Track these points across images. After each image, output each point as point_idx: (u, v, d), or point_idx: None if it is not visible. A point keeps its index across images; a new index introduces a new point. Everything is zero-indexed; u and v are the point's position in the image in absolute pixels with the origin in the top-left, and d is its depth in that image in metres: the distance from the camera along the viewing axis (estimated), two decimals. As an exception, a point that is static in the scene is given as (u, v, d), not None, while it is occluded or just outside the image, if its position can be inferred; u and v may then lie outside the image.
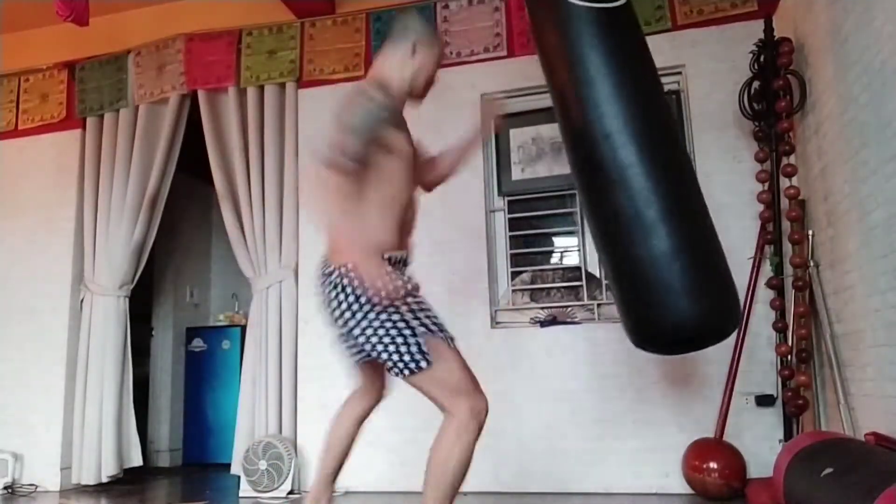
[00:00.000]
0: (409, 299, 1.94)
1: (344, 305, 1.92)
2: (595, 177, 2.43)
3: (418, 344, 1.91)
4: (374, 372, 2.23)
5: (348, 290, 1.91)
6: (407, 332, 1.90)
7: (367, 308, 1.89)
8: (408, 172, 2.05)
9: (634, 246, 2.31)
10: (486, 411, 2.00)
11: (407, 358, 1.90)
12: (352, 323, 1.92)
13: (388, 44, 2.16)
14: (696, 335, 2.40)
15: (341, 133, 1.86)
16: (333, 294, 1.94)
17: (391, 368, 1.93)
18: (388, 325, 1.89)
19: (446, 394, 1.97)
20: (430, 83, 2.18)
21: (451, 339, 2.00)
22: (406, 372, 1.91)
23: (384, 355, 1.91)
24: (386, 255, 1.95)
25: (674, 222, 2.32)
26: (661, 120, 2.49)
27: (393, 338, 1.89)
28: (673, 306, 2.30)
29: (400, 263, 2.03)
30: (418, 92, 2.17)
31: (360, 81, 2.15)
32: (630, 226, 2.32)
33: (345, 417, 2.35)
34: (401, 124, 2.07)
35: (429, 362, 1.91)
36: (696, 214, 2.44)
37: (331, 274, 1.96)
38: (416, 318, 1.94)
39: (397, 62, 2.12)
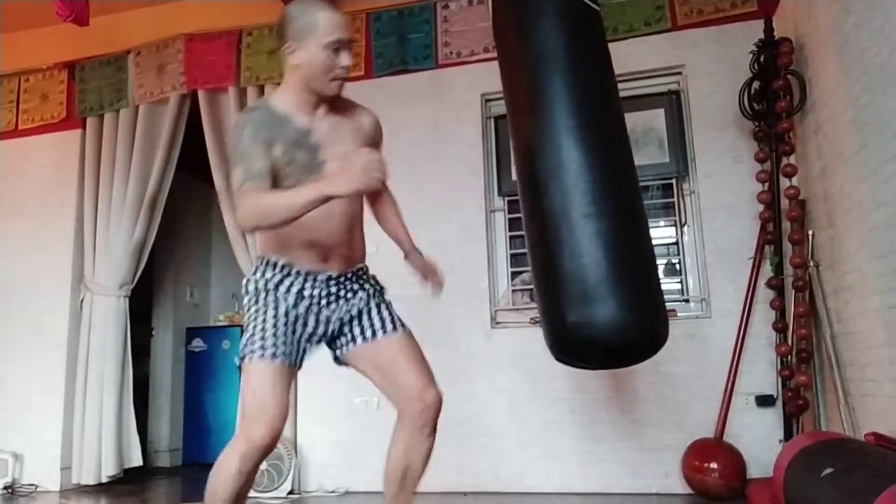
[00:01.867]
0: (260, 303, 1.92)
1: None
2: (535, 181, 2.32)
3: (243, 345, 1.91)
4: (374, 371, 2.09)
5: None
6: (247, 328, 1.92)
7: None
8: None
9: (567, 257, 2.17)
10: (262, 443, 1.80)
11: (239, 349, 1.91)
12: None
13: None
14: (624, 349, 2.25)
15: (234, 167, 1.77)
16: None
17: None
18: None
19: (241, 405, 1.89)
20: (329, 69, 1.81)
21: (272, 357, 1.85)
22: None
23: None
24: (272, 258, 1.93)
25: (611, 231, 2.18)
26: (610, 126, 2.38)
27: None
28: (603, 319, 2.13)
29: (284, 269, 1.91)
30: (321, 86, 1.83)
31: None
32: (564, 234, 2.19)
33: (393, 445, 2.19)
34: (298, 135, 1.83)
35: (240, 368, 1.89)
36: (637, 227, 2.29)
37: None
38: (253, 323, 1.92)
39: (286, 67, 1.88)
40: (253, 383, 1.82)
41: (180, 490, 4.43)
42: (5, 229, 4.60)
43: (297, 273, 1.90)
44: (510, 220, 3.90)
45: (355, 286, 2.01)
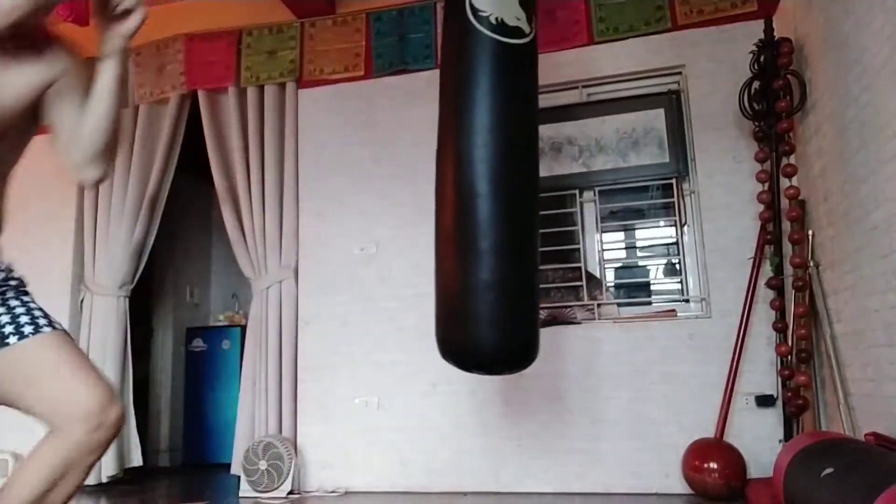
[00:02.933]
0: None
1: None
2: (448, 198, 2.54)
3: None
4: None
5: None
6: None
7: None
8: None
9: (464, 272, 2.40)
10: None
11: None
12: None
13: None
14: (489, 362, 2.51)
15: None
16: None
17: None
18: None
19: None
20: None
21: None
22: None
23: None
24: None
25: (501, 257, 2.40)
26: (521, 158, 2.54)
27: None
28: (476, 333, 2.41)
29: None
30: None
31: None
32: (465, 252, 2.41)
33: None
34: None
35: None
36: (525, 251, 2.50)
37: None
38: None
39: None
40: None
41: (180, 490, 4.42)
42: (5, 229, 4.59)
43: None
44: (510, 220, 3.89)
45: None
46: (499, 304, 2.38)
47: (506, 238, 2.40)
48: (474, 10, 2.46)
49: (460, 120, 2.48)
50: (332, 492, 3.67)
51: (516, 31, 2.47)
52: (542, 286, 3.83)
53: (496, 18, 2.44)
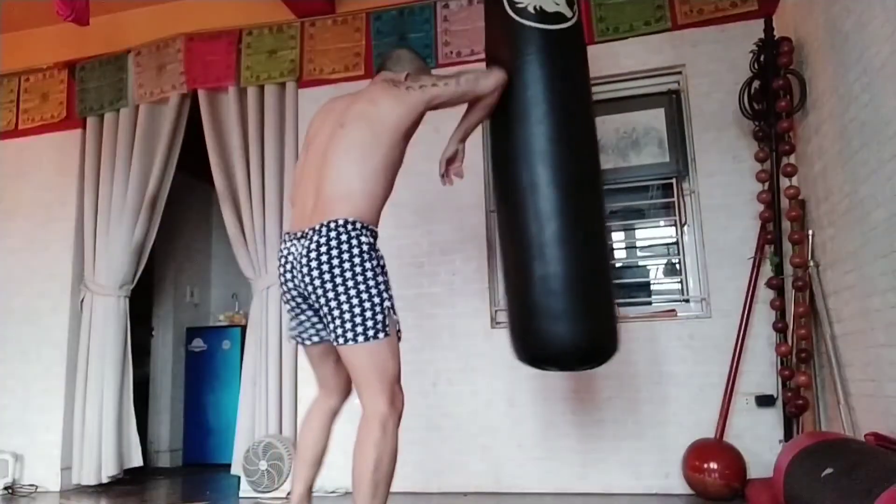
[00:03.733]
0: (387, 275, 2.04)
1: (345, 258, 1.96)
2: (507, 193, 2.50)
3: (384, 314, 1.94)
4: (333, 365, 2.20)
5: (353, 242, 1.98)
6: (380, 298, 1.94)
7: (360, 265, 1.96)
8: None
9: (533, 266, 2.35)
10: (402, 409, 2.02)
11: (370, 323, 1.91)
12: (341, 280, 1.94)
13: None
14: (567, 358, 2.48)
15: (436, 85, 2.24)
16: (336, 249, 1.96)
17: (346, 332, 1.92)
18: (371, 285, 1.94)
19: (376, 378, 1.95)
20: None
21: (400, 331, 2.04)
22: (360, 339, 1.91)
23: (346, 315, 1.91)
24: (375, 230, 2.09)
25: (574, 252, 2.35)
26: (580, 145, 2.49)
27: (366, 299, 1.92)
28: (557, 329, 2.36)
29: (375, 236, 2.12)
30: None
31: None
32: (531, 247, 2.36)
33: (312, 422, 2.30)
34: None
35: (386, 334, 1.94)
36: (596, 246, 2.45)
37: (335, 228, 1.98)
38: (388, 292, 1.99)
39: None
40: (395, 350, 1.99)
41: (180, 490, 4.42)
42: (5, 229, 4.60)
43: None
44: (510, 220, 3.89)
45: None
46: (574, 297, 2.34)
47: (573, 227, 2.35)
48: (512, 3, 2.42)
49: (514, 114, 2.43)
50: (332, 492, 3.67)
51: (558, 17, 2.43)
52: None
53: (535, 7, 2.40)
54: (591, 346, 2.42)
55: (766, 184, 3.29)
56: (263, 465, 3.71)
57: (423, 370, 3.66)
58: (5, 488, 4.11)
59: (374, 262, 1.97)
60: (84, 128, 4.61)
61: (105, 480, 4.14)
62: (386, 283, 1.99)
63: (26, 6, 4.36)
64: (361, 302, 1.91)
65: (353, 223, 1.98)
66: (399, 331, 2.00)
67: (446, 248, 3.85)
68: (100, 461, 4.15)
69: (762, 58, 3.27)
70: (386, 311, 1.94)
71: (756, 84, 3.30)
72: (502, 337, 3.70)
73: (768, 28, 3.28)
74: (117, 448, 4.19)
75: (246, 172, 4.17)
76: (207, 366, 5.40)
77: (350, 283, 1.92)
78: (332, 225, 1.97)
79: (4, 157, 4.67)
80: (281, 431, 3.86)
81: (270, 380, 3.93)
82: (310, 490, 2.25)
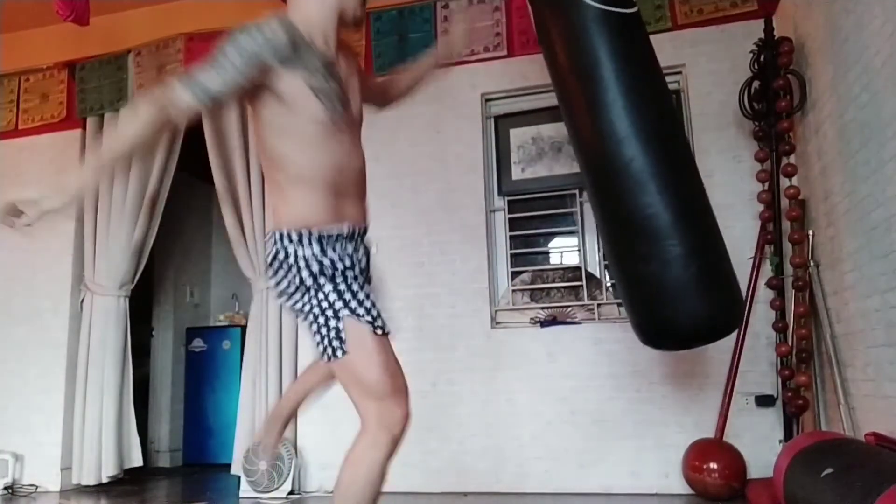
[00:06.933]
0: (338, 279, 1.65)
1: (280, 277, 1.69)
2: (607, 180, 2.47)
3: (337, 329, 1.64)
4: None
5: (279, 261, 1.67)
6: (329, 313, 1.64)
7: (293, 285, 1.66)
8: (331, 130, 1.66)
9: (649, 249, 2.37)
10: (403, 423, 1.68)
11: (326, 342, 1.64)
12: (286, 300, 1.71)
13: None
14: (704, 333, 2.51)
15: (208, 63, 1.61)
16: (271, 264, 1.70)
17: (321, 355, 1.68)
18: (312, 304, 1.65)
19: (358, 393, 1.67)
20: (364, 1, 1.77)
21: (382, 329, 1.67)
22: (326, 359, 1.66)
23: (313, 338, 1.68)
24: (315, 232, 1.65)
25: (687, 226, 2.39)
26: (670, 123, 2.52)
27: (315, 318, 1.65)
28: (685, 306, 2.40)
29: (338, 238, 1.69)
30: (353, 17, 1.77)
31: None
32: (645, 229, 2.37)
33: (303, 380, 2.25)
34: (327, 70, 1.68)
35: (344, 351, 1.63)
36: (707, 217, 2.50)
37: (270, 241, 1.71)
38: (341, 299, 1.64)
39: None
40: (372, 357, 1.65)
41: (180, 490, 4.42)
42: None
43: (352, 236, 1.74)
44: (510, 220, 3.90)
45: None
46: (698, 272, 2.37)
47: (676, 205, 2.38)
48: None
49: (591, 99, 2.42)
50: (332, 492, 3.67)
51: (624, 1, 2.47)
52: (542, 286, 3.83)
53: None
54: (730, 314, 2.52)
55: (766, 184, 3.28)
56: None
57: (423, 370, 3.66)
58: (5, 488, 4.11)
59: (306, 273, 1.65)
60: (84, 128, 4.61)
61: (105, 480, 4.14)
62: (336, 289, 1.65)
63: (26, 6, 4.36)
64: (308, 323, 1.67)
65: (277, 234, 1.68)
66: (380, 329, 1.66)
67: (446, 248, 3.85)
68: (100, 461, 4.15)
69: (762, 58, 3.27)
70: (332, 331, 1.64)
71: (756, 84, 3.30)
72: (502, 337, 3.72)
73: (768, 28, 3.28)
74: (117, 448, 4.19)
75: (246, 172, 4.17)
76: (207, 366, 5.40)
77: (289, 304, 1.71)
78: (269, 243, 1.73)
79: (4, 157, 4.66)
80: (281, 431, 3.86)
81: (270, 380, 3.93)
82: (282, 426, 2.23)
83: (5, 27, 4.49)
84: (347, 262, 1.68)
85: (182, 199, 5.27)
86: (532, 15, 2.76)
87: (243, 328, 4.87)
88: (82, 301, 4.42)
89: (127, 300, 4.41)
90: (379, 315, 1.68)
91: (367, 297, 1.68)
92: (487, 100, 4.00)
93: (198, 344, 5.47)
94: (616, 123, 2.39)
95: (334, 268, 1.66)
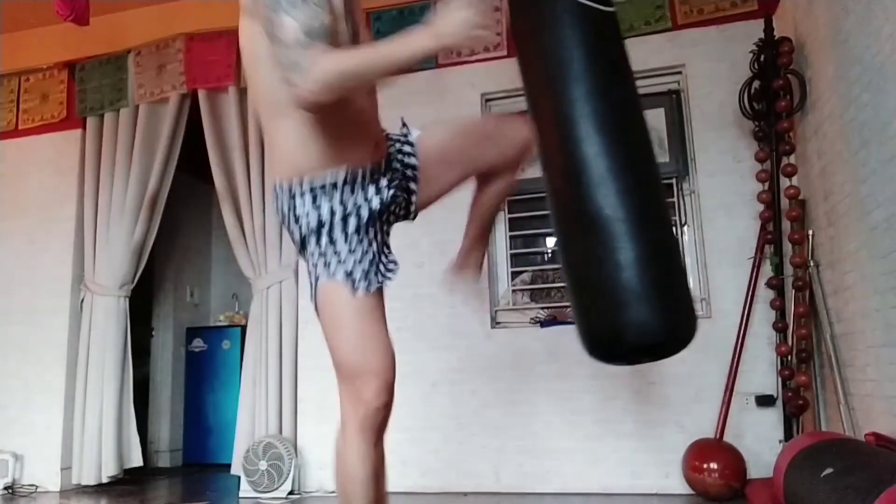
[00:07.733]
0: (323, 235, 1.54)
1: (289, 232, 1.64)
2: (564, 179, 2.32)
3: (314, 289, 1.55)
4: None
5: (283, 215, 1.60)
6: (312, 272, 1.56)
7: (296, 244, 1.62)
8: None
9: (604, 252, 2.16)
10: (376, 404, 1.53)
11: (314, 304, 1.56)
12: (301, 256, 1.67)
13: None
14: (656, 344, 2.19)
15: (279, 13, 1.44)
16: (281, 220, 1.64)
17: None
18: (309, 261, 1.58)
19: (335, 365, 1.57)
20: None
21: (367, 288, 1.54)
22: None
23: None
24: (307, 181, 1.55)
25: (644, 231, 2.27)
26: (636, 127, 2.43)
27: (309, 275, 1.58)
28: (636, 314, 2.10)
29: (334, 186, 1.57)
30: None
31: None
32: (601, 233, 2.26)
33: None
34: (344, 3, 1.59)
35: (317, 313, 1.54)
36: (665, 225, 2.38)
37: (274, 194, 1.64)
38: (322, 256, 1.54)
39: None
40: (343, 322, 1.54)
41: (180, 490, 4.43)
42: (5, 229, 4.60)
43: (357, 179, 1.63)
44: (510, 220, 3.90)
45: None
46: (648, 278, 2.10)
47: (632, 205, 2.18)
48: None
49: (556, 92, 2.29)
50: (333, 492, 3.67)
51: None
52: (542, 286, 3.83)
53: None
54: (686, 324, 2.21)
55: (766, 184, 3.28)
56: (263, 465, 3.71)
57: (423, 370, 3.66)
58: (5, 488, 4.11)
59: (305, 230, 1.56)
60: (84, 128, 4.61)
61: (105, 480, 4.14)
62: (318, 245, 1.55)
63: (26, 6, 4.36)
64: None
65: (275, 187, 1.61)
66: (364, 288, 1.54)
67: (446, 249, 3.83)
68: (100, 461, 4.15)
69: (762, 58, 3.27)
70: (314, 293, 1.56)
71: (756, 84, 3.30)
72: (502, 337, 3.72)
73: (768, 28, 3.28)
74: (117, 448, 4.19)
75: (246, 172, 4.17)
76: (207, 366, 5.40)
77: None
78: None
79: (4, 157, 4.67)
80: (281, 431, 3.86)
81: (270, 380, 3.93)
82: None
83: (5, 27, 4.49)
84: (342, 212, 1.55)
85: (182, 199, 5.27)
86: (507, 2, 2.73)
87: (243, 328, 4.87)
88: (82, 301, 4.42)
89: (127, 300, 4.41)
90: (364, 272, 1.54)
91: (354, 250, 1.55)
92: (487, 100, 4.00)
93: (198, 344, 5.47)
94: (578, 121, 2.31)
95: (326, 221, 1.54)
